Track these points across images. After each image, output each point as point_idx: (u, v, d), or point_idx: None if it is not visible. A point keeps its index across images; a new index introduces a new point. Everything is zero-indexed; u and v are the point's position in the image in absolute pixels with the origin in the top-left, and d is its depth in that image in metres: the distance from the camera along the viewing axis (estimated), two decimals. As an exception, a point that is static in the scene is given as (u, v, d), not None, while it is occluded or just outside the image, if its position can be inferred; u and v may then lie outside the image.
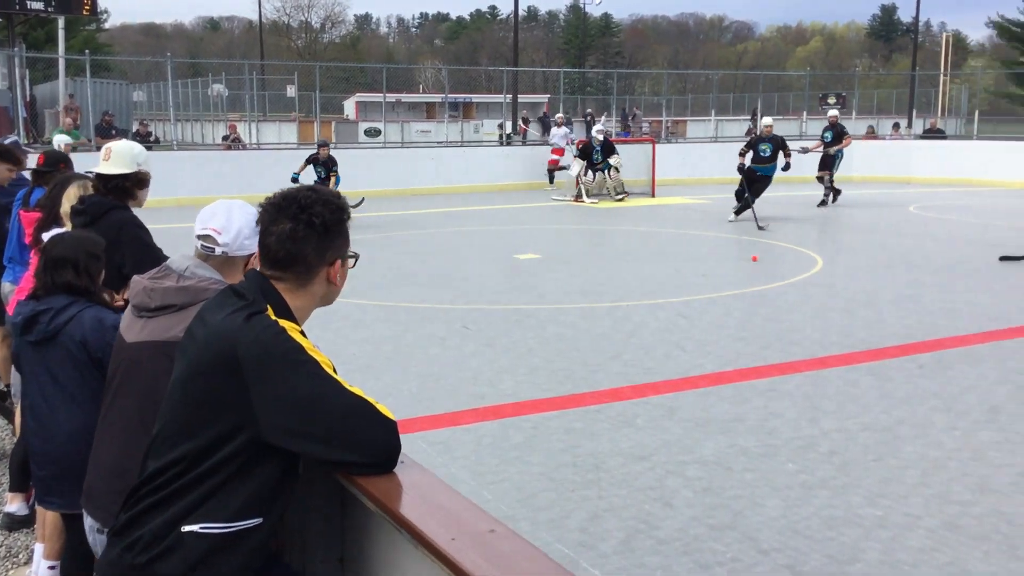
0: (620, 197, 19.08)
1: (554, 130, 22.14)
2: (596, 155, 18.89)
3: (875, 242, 12.70)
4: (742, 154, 15.10)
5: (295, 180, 13.99)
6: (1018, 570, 3.58)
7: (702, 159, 23.18)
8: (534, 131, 27.17)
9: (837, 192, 17.79)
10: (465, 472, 4.62)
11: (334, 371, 1.85)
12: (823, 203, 17.48)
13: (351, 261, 2.00)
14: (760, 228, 13.97)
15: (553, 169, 21.47)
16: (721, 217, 15.65)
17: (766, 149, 15.03)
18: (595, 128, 20.07)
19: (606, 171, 19.11)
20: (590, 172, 19.19)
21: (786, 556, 3.72)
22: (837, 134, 17.80)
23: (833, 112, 18.50)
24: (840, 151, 17.83)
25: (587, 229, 15.15)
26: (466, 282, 10.02)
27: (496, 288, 9.67)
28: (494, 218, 16.31)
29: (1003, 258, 7.10)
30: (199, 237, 2.43)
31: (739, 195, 15.12)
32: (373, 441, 1.80)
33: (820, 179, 17.84)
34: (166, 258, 2.80)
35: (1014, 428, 5.25)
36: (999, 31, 57.64)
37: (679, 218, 16.28)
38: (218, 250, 2.40)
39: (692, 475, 4.58)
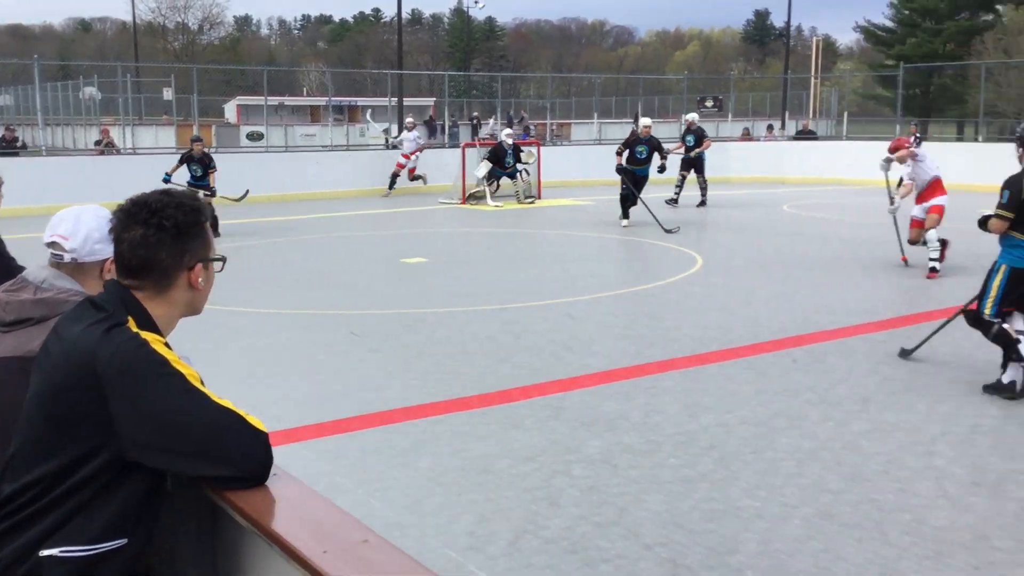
0: (530, 200, 19.20)
1: (404, 134, 21.14)
2: (508, 159, 18.91)
3: (751, 241, 13.11)
4: (619, 153, 15.05)
5: (167, 180, 13.52)
6: (889, 555, 3.74)
7: (586, 161, 23.51)
8: (377, 129, 26.25)
9: (702, 191, 18.16)
10: (351, 480, 4.55)
11: (201, 383, 1.78)
12: (702, 203, 17.93)
13: (217, 265, 1.93)
14: (668, 231, 13.78)
15: (397, 174, 20.49)
16: (606, 218, 15.90)
17: (643, 151, 15.12)
18: (505, 132, 20.04)
19: (519, 174, 19.16)
20: (496, 176, 19.15)
21: (669, 550, 3.79)
22: (698, 137, 18.23)
23: (691, 116, 18.84)
24: (702, 153, 18.26)
25: (475, 232, 15.17)
26: (353, 287, 9.90)
27: (383, 293, 9.58)
28: (381, 222, 16.17)
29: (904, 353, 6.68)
30: (47, 245, 2.33)
31: (624, 200, 14.97)
32: (243, 454, 1.74)
33: (683, 178, 18.20)
34: (21, 269, 2.66)
35: (883, 417, 5.49)
36: (865, 35, 60.33)
37: (566, 220, 16.47)
38: (66, 257, 2.30)
39: (578, 474, 4.62)
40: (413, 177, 20.43)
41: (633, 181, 14.97)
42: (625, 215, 14.86)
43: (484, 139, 25.09)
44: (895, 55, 50.27)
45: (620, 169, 14.95)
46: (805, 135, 27.54)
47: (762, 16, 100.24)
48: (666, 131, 32.77)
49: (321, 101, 38.41)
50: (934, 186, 10.27)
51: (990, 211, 6.00)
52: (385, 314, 8.43)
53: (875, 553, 3.75)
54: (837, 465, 4.73)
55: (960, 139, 39.37)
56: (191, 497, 1.90)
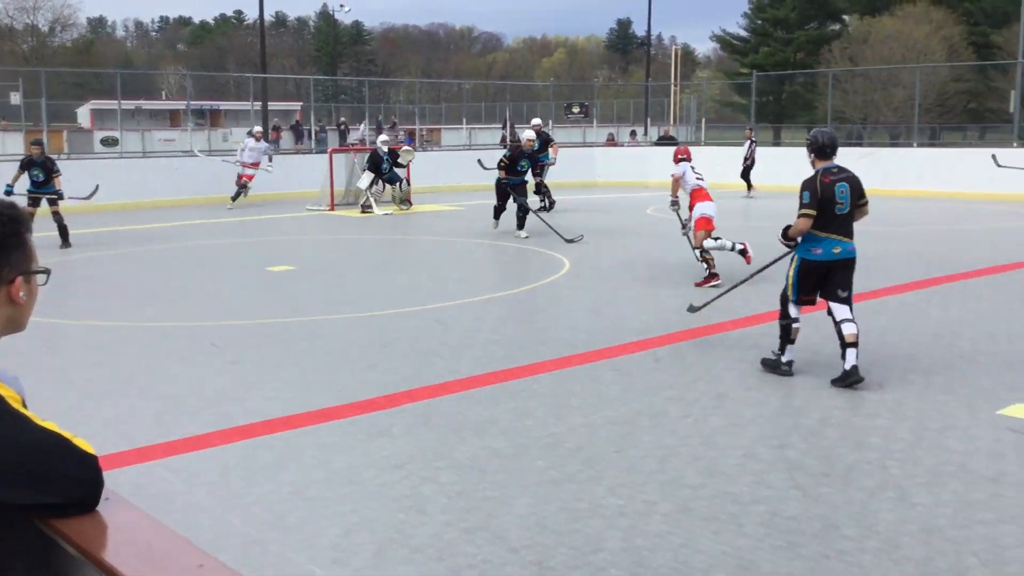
0: (406, 206, 19.03)
1: (250, 143, 19.59)
2: (385, 165, 18.65)
3: (617, 243, 13.38)
4: (501, 167, 14.42)
5: (8, 192, 12.80)
6: (744, 546, 3.86)
7: (456, 167, 23.53)
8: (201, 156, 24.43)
9: (552, 201, 18.12)
10: (210, 498, 4.39)
11: (23, 406, 1.67)
12: (544, 208, 17.71)
13: (40, 278, 1.80)
14: (571, 241, 13.33)
15: (245, 185, 19.21)
16: (477, 224, 15.94)
17: (524, 165, 14.62)
18: (380, 138, 19.74)
19: (398, 182, 18.94)
20: (378, 182, 18.86)
21: (535, 552, 3.81)
22: (544, 142, 17.93)
23: (536, 120, 18.87)
24: (546, 156, 18.30)
25: (344, 239, 14.97)
26: (214, 298, 9.61)
27: (246, 302, 9.33)
28: (247, 230, 15.78)
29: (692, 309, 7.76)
30: None
31: (497, 212, 14.65)
32: (69, 479, 1.63)
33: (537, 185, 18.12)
34: None
35: (738, 412, 5.68)
36: (722, 44, 62.65)
37: (437, 226, 16.44)
38: None
39: (446, 480, 4.60)
40: (241, 185, 19.09)
41: (504, 194, 14.52)
42: (496, 220, 14.70)
43: (354, 144, 24.78)
44: (749, 64, 52.45)
45: (500, 182, 14.46)
46: (666, 140, 28.38)
47: (624, 25, 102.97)
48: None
49: (181, 105, 37.22)
50: (694, 195, 10.47)
51: (789, 222, 6.45)
52: (248, 324, 8.21)
53: (731, 545, 3.87)
54: (695, 460, 4.86)
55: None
56: (20, 526, 1.78)
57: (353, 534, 4.01)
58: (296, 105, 45.16)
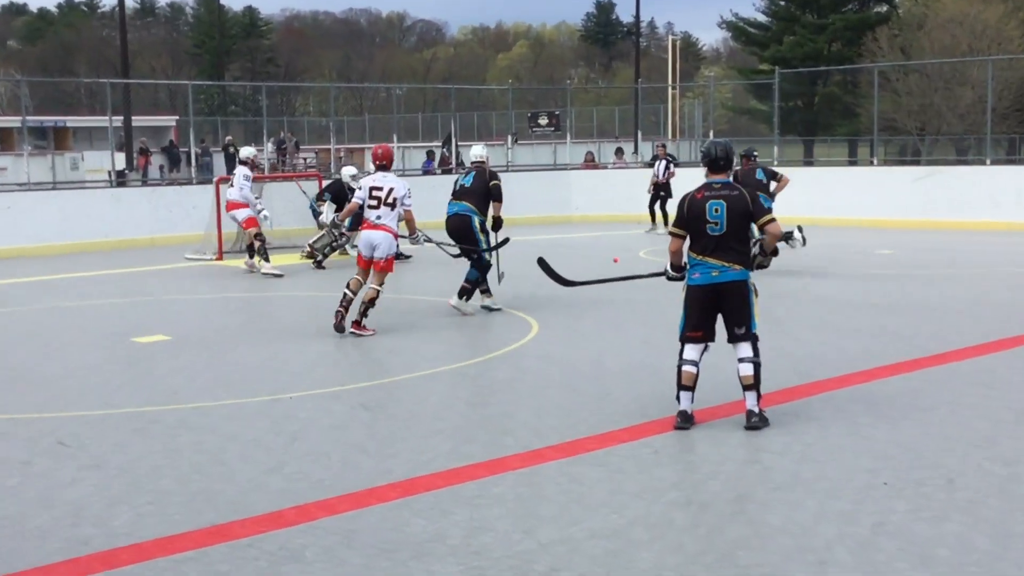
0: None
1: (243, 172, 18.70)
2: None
3: (601, 297, 13.52)
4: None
5: None
6: None
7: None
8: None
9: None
10: (60, 651, 4.37)
11: None
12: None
13: None
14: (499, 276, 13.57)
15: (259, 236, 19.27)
16: (416, 272, 16.01)
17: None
18: (345, 169, 19.78)
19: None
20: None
21: None
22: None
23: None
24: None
25: (237, 298, 14.99)
26: (61, 380, 9.58)
27: (106, 386, 9.32)
28: (106, 289, 15.74)
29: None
30: None
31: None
32: None
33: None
34: None
35: (764, 519, 5.77)
36: (734, 33, 63.24)
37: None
38: None
39: (378, 620, 4.62)
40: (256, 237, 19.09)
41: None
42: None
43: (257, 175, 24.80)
44: (770, 58, 53.21)
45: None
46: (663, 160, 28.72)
47: (605, 9, 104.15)
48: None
49: (14, 122, 37.04)
50: None
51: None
52: (109, 415, 8.20)
53: None
54: (711, 584, 4.92)
55: (853, 162, 42.10)
56: None
57: None
58: (170, 120, 45.35)
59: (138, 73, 60.84)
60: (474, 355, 10.46)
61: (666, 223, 22.99)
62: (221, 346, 11.11)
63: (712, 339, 7.64)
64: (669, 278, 8.07)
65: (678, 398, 7.55)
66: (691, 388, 7.53)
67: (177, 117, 44.64)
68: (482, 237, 12.71)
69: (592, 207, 26.13)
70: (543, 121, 37.24)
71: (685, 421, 7.47)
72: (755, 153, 17.89)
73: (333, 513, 5.95)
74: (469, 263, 12.71)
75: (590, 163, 32.45)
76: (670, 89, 45.59)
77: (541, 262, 9.70)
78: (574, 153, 32.23)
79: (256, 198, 17.45)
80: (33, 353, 10.92)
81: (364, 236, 11.60)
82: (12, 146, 39.17)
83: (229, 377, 9.57)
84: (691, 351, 7.55)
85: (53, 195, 21.89)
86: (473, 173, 13.12)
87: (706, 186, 7.56)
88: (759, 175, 17.07)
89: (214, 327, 12.42)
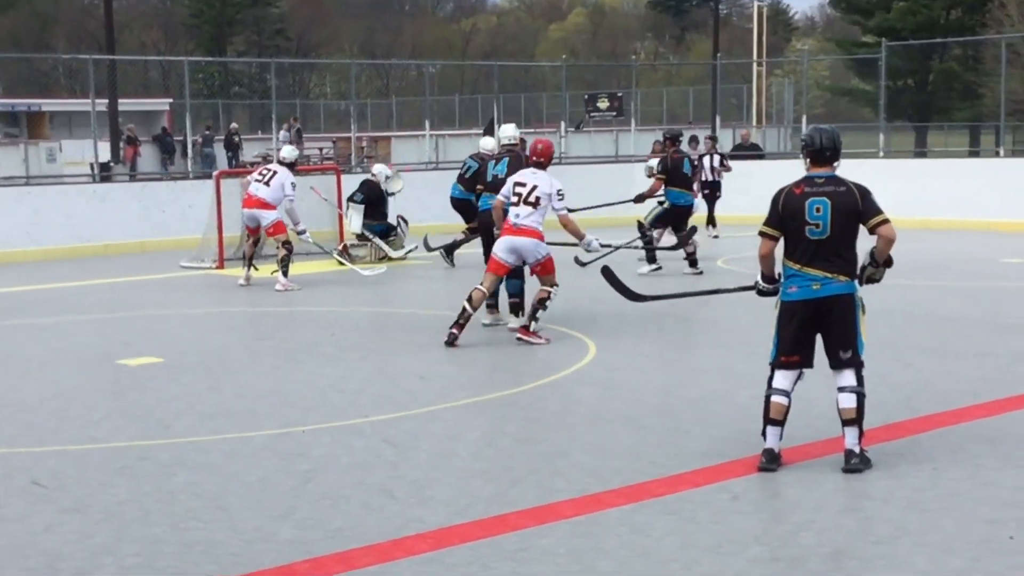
0: (404, 252, 19.66)
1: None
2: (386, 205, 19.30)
3: (671, 314, 13.49)
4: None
5: None
6: None
7: (417, 195, 23.72)
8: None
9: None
10: None
11: None
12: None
13: None
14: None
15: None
16: (449, 282, 16.03)
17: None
18: (377, 168, 20.19)
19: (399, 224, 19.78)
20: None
21: None
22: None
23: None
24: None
25: (241, 314, 15.08)
26: (35, 409, 9.69)
27: (88, 416, 9.41)
28: (87, 303, 15.86)
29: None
30: None
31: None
32: None
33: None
34: None
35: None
36: (833, 0, 63.21)
37: (386, 288, 16.57)
38: None
39: None
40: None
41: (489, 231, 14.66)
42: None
43: (252, 165, 25.02)
44: (875, 29, 52.63)
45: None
46: (746, 151, 28.62)
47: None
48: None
49: (-18, 106, 37.62)
50: None
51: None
52: (91, 451, 8.29)
53: None
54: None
55: (975, 152, 41.67)
56: None
57: None
58: (163, 104, 45.67)
59: (125, 48, 61.38)
60: (520, 382, 10.46)
61: (712, 225, 23.54)
62: (222, 370, 11.20)
63: (810, 365, 7.55)
64: (760, 292, 7.93)
65: (764, 434, 7.50)
66: (780, 423, 7.47)
67: (171, 100, 44.94)
68: None
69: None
70: (603, 104, 37.19)
71: (771, 461, 7.42)
72: (682, 136, 18.77)
73: (352, 568, 5.99)
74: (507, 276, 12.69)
75: (658, 154, 32.33)
76: (755, 66, 45.32)
77: (606, 272, 9.67)
78: (639, 142, 32.11)
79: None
80: (5, 378, 11.05)
81: (505, 242, 11.88)
82: (-23, 135, 39.56)
83: (231, 406, 9.63)
84: (783, 379, 7.50)
85: (25, 192, 22.09)
86: (506, 160, 13.29)
87: (807, 180, 7.42)
88: (686, 168, 17.55)
89: (214, 348, 12.51)
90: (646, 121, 40.70)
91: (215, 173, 20.11)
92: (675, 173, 17.35)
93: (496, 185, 12.82)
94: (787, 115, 42.80)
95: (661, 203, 17.50)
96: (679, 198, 17.22)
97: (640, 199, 18.06)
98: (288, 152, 17.81)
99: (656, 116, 47.56)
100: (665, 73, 70.72)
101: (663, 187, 17.38)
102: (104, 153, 28.01)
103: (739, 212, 24.68)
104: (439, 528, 6.54)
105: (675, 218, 17.44)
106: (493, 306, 13.00)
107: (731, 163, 24.69)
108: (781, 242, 7.50)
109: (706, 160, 23.41)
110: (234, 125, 40.48)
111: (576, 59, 66.26)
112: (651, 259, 17.50)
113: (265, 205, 16.58)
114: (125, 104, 35.44)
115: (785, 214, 7.37)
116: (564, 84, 32.37)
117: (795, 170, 7.81)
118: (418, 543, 6.32)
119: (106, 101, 29.54)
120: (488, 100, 40.54)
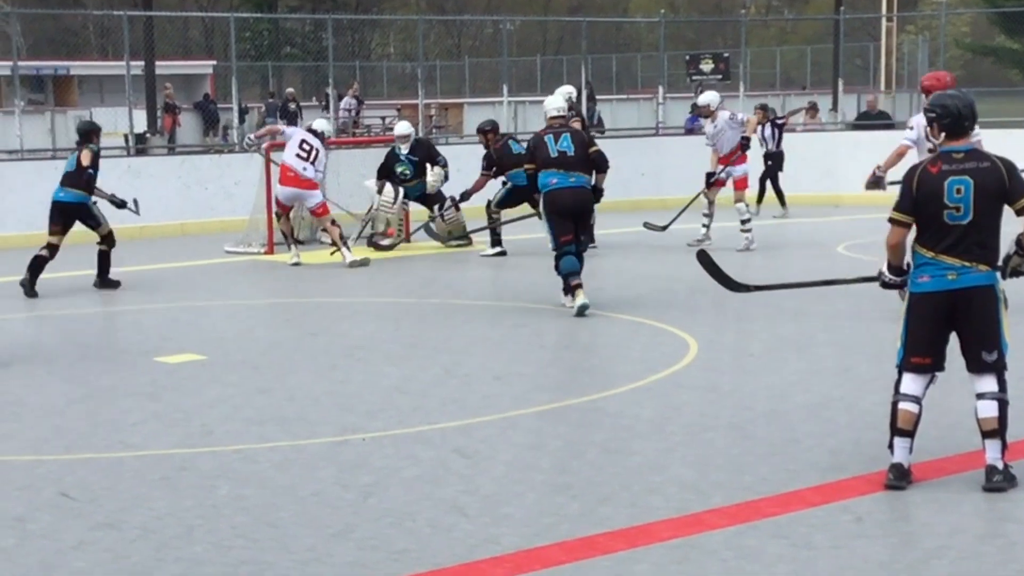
0: (460, 241, 19.59)
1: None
2: (405, 167, 19.10)
3: (783, 308, 13.40)
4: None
5: None
6: None
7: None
8: None
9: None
10: None
11: None
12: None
13: None
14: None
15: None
16: (532, 272, 16.05)
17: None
18: (401, 126, 20.23)
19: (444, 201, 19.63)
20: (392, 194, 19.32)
21: None
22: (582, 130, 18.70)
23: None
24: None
25: (287, 304, 15.17)
26: (64, 412, 9.80)
27: (122, 420, 9.53)
28: (118, 292, 15.93)
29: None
30: None
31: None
32: None
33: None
34: None
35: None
36: (974, -53, 62.48)
37: (453, 277, 16.60)
38: None
39: None
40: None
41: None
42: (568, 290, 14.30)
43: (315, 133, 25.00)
44: (1025, -26, 51.92)
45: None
46: (874, 119, 28.33)
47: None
48: (626, 116, 33.32)
49: (2, 68, 37.99)
50: None
51: None
52: (126, 460, 8.38)
53: None
54: None
55: None
56: None
57: None
58: (206, 66, 45.85)
59: (164, 4, 61.80)
60: (610, 385, 10.43)
61: (782, 203, 23.81)
62: (271, 369, 11.28)
63: (942, 368, 7.42)
64: (885, 284, 7.84)
65: (891, 447, 7.40)
66: (910, 434, 7.35)
67: (214, 62, 45.03)
68: None
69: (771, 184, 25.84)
70: (707, 66, 36.89)
71: (900, 478, 7.33)
72: (495, 126, 19.43)
73: (419, 593, 6.04)
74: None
75: (766, 119, 32.04)
76: (884, 21, 44.80)
77: (703, 258, 9.58)
78: (748, 110, 31.84)
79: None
80: (27, 376, 11.18)
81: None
82: (0, 101, 39.89)
83: (282, 411, 9.70)
84: (913, 383, 7.37)
85: (51, 166, 22.03)
86: (567, 135, 13.58)
87: (944, 156, 7.26)
88: (515, 148, 18.29)
89: (262, 344, 12.62)
90: (756, 86, 40.43)
91: (264, 145, 20.12)
92: (506, 160, 18.07)
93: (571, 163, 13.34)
94: (920, 78, 42.28)
95: (504, 183, 18.44)
96: (518, 177, 17.29)
97: (466, 197, 19.11)
98: (320, 124, 18.15)
99: (768, 80, 47.21)
100: (779, 30, 70.20)
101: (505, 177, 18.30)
102: (140, 122, 28.08)
103: (863, 191, 24.46)
104: (517, 551, 6.55)
105: (520, 198, 18.06)
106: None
107: (862, 134, 24.47)
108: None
109: (759, 132, 23.14)
110: (290, 90, 40.55)
111: (676, 14, 65.88)
112: (495, 242, 18.64)
113: (312, 185, 17.00)
114: (163, 67, 35.49)
115: (920, 197, 7.20)
116: (662, 43, 32.21)
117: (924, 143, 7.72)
118: (492, 568, 6.34)
119: (142, 63, 29.52)
120: (575, 62, 40.34)
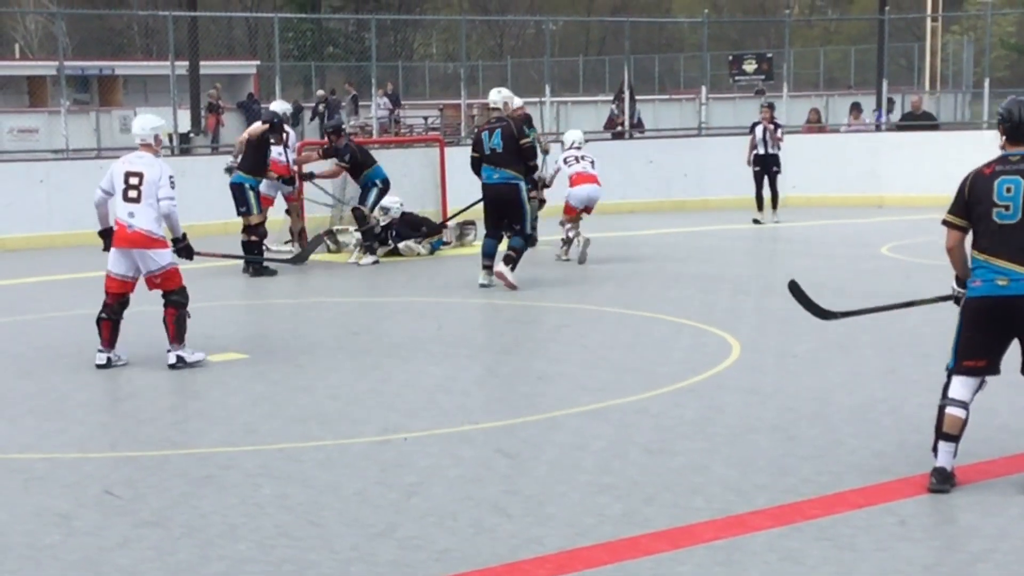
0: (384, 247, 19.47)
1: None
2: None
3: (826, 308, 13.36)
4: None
5: None
6: None
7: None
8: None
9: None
10: None
11: None
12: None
13: None
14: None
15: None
16: (583, 269, 16.04)
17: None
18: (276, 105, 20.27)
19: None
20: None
21: None
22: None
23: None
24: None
25: (335, 304, 15.18)
26: (107, 409, 9.87)
27: (165, 418, 9.59)
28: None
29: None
30: None
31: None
32: None
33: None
34: None
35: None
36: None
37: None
38: None
39: None
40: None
41: None
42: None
43: (351, 133, 25.08)
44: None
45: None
46: (918, 120, 28.22)
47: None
48: (668, 117, 33.34)
49: (48, 68, 38.22)
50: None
51: None
52: (170, 458, 8.43)
53: None
54: None
55: None
56: None
57: None
58: (249, 66, 46.01)
59: (208, 4, 62.08)
60: (653, 385, 10.41)
61: (775, 206, 22.99)
62: (314, 368, 11.31)
63: (996, 371, 7.39)
64: (958, 301, 7.67)
65: (935, 450, 7.38)
66: (956, 439, 7.32)
67: (258, 62, 45.17)
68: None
69: (815, 185, 25.67)
70: (750, 67, 36.91)
71: (943, 481, 7.31)
72: (343, 126, 20.16)
73: (462, 594, 6.05)
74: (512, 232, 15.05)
75: (815, 124, 31.97)
76: (928, 21, 44.57)
77: (794, 288, 9.33)
78: (792, 110, 31.74)
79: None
80: (70, 373, 11.25)
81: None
82: (45, 100, 39.98)
83: (324, 410, 9.73)
84: (962, 387, 7.34)
85: (96, 165, 22.13)
86: (499, 130, 14.92)
87: (1000, 159, 7.29)
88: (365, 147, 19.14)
89: (304, 343, 12.63)
90: (800, 86, 40.28)
91: (297, 144, 20.11)
92: (360, 156, 18.25)
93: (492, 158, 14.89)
94: (965, 79, 42.13)
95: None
96: (380, 173, 18.19)
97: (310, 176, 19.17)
98: (280, 106, 18.55)
99: (811, 80, 47.02)
100: (822, 30, 69.88)
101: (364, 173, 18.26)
102: (184, 122, 28.22)
103: (906, 192, 24.41)
104: (560, 551, 6.56)
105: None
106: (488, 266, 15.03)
107: (906, 135, 24.35)
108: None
109: (758, 130, 22.72)
110: (349, 90, 40.70)
111: (719, 14, 65.81)
112: (371, 250, 18.26)
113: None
114: (207, 67, 35.64)
115: (972, 199, 7.23)
116: (705, 43, 32.16)
117: (973, 143, 7.71)
118: (535, 568, 6.34)
119: (186, 63, 29.70)
120: (618, 62, 40.39)
